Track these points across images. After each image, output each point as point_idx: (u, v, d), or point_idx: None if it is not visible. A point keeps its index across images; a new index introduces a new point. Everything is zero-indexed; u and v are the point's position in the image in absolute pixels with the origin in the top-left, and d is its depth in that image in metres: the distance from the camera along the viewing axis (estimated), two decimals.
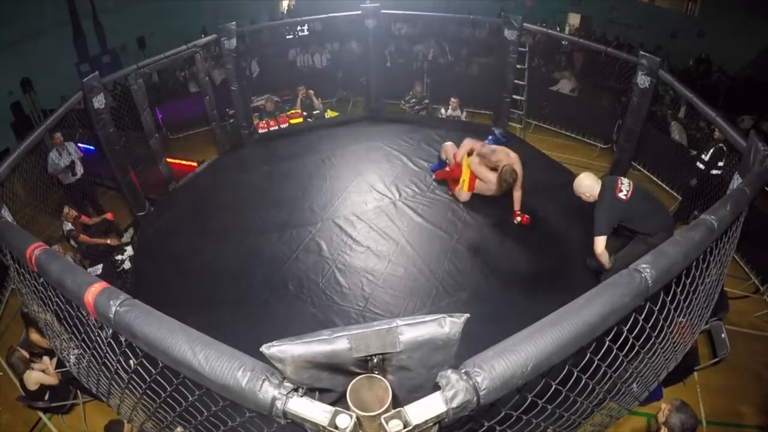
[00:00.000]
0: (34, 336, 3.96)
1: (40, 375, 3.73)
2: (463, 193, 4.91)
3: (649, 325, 1.58)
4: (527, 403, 1.34)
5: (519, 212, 4.60)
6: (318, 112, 7.47)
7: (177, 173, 6.11)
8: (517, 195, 4.59)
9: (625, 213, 3.37)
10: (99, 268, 4.72)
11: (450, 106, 7.19)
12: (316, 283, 4.09)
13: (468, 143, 4.89)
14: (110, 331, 1.49)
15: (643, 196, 3.42)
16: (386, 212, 4.90)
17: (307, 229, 4.70)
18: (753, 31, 9.38)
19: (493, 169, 4.60)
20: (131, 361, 1.53)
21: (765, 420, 3.81)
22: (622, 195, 3.33)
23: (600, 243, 3.37)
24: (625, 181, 3.43)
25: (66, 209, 5.07)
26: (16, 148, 3.49)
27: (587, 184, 3.49)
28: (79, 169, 5.77)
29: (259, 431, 1.41)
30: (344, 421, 0.91)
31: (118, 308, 1.24)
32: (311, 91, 7.47)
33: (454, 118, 7.16)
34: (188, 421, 1.55)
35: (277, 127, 7.03)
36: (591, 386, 1.55)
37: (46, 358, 3.87)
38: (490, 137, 5.59)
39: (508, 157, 4.49)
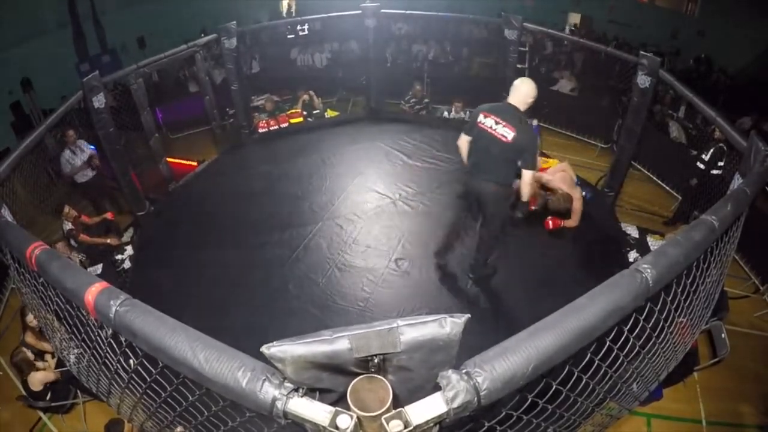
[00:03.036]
0: (30, 339, 3.97)
1: (43, 374, 3.75)
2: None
3: (650, 325, 1.57)
4: (528, 404, 1.34)
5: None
6: (318, 112, 7.47)
7: (177, 173, 6.11)
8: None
9: (472, 135, 3.29)
10: (99, 268, 4.72)
11: (453, 109, 7.18)
12: (316, 283, 4.09)
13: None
14: (110, 330, 1.48)
15: (496, 149, 3.18)
16: (386, 212, 4.90)
17: (307, 229, 4.70)
18: (753, 31, 9.37)
19: (549, 189, 4.69)
20: (131, 361, 1.53)
21: (765, 420, 3.81)
22: (480, 120, 3.22)
23: (459, 138, 3.44)
24: (500, 126, 3.14)
25: (66, 209, 5.07)
26: (16, 147, 3.49)
27: (516, 83, 3.25)
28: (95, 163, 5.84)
29: (260, 431, 1.41)
30: (345, 421, 0.91)
31: (118, 308, 1.24)
32: (311, 92, 7.46)
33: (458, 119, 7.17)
34: (188, 421, 1.55)
35: (277, 127, 7.02)
36: (591, 386, 1.55)
37: (48, 356, 3.89)
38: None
39: (570, 190, 4.60)
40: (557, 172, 4.72)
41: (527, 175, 3.23)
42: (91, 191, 5.96)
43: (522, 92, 3.17)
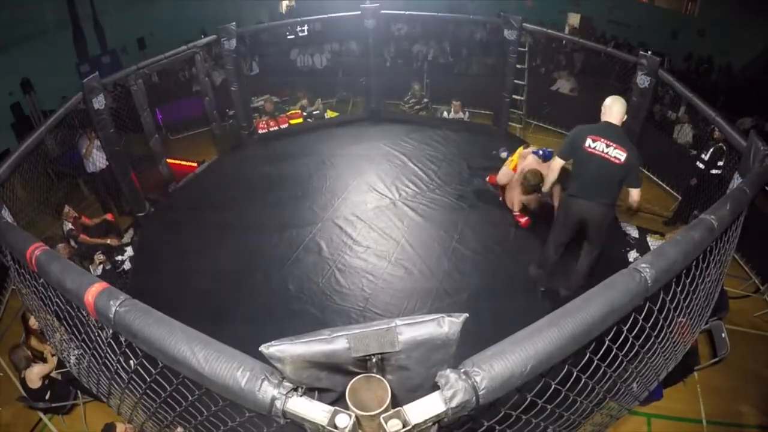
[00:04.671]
0: (33, 342, 3.98)
1: (40, 368, 3.75)
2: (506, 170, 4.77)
3: (649, 324, 1.57)
4: (527, 403, 1.34)
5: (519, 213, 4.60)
6: (318, 112, 7.48)
7: (177, 174, 6.12)
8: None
9: (575, 158, 3.33)
10: (99, 269, 4.72)
11: (453, 109, 7.19)
12: (316, 283, 4.09)
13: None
14: (110, 331, 1.49)
15: (608, 171, 3.21)
16: (386, 212, 4.91)
17: (307, 230, 4.70)
18: (753, 31, 9.36)
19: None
20: (131, 362, 1.53)
21: (765, 420, 3.81)
22: (588, 145, 3.22)
23: (553, 161, 3.54)
24: (611, 149, 3.17)
25: (66, 209, 5.07)
26: (17, 149, 3.49)
27: (608, 102, 3.30)
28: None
29: (259, 431, 1.41)
30: (343, 420, 0.91)
31: (118, 308, 1.24)
32: (305, 100, 7.49)
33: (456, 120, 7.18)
34: (188, 421, 1.55)
35: (277, 128, 7.03)
36: (591, 386, 1.55)
37: (48, 354, 3.89)
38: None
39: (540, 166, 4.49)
40: (523, 162, 4.60)
41: (635, 193, 3.34)
42: (100, 185, 5.94)
43: (618, 111, 3.25)
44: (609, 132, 3.22)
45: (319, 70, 9.63)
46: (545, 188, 3.72)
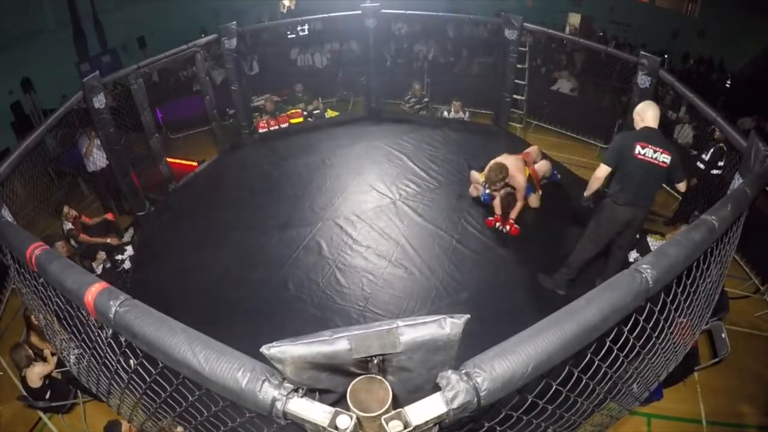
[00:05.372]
0: (34, 339, 3.98)
1: (40, 368, 3.76)
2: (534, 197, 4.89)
3: (650, 325, 1.57)
4: (527, 404, 1.34)
5: (512, 221, 4.57)
6: (318, 111, 7.47)
7: (177, 173, 6.11)
8: (518, 205, 4.59)
9: (621, 165, 3.36)
10: (99, 268, 4.72)
11: (453, 109, 7.19)
12: (316, 283, 4.09)
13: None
14: (110, 331, 1.48)
15: (654, 176, 3.32)
16: (386, 212, 4.91)
17: (307, 229, 4.70)
18: (753, 31, 9.36)
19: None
20: (131, 361, 1.53)
21: (765, 420, 3.81)
22: (638, 152, 3.27)
23: (599, 169, 3.49)
24: (658, 154, 3.25)
25: (66, 209, 5.07)
26: (17, 148, 3.49)
27: (641, 109, 3.40)
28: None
29: (259, 431, 1.41)
30: (344, 421, 0.91)
31: (118, 308, 1.24)
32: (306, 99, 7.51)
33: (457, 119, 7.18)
34: (188, 422, 1.55)
35: (277, 127, 7.03)
36: (591, 387, 1.55)
37: (48, 353, 3.89)
38: None
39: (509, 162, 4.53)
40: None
41: (682, 186, 3.53)
42: (100, 184, 5.94)
43: (654, 115, 3.37)
44: (653, 137, 3.31)
45: (319, 69, 9.62)
46: (587, 194, 3.68)
